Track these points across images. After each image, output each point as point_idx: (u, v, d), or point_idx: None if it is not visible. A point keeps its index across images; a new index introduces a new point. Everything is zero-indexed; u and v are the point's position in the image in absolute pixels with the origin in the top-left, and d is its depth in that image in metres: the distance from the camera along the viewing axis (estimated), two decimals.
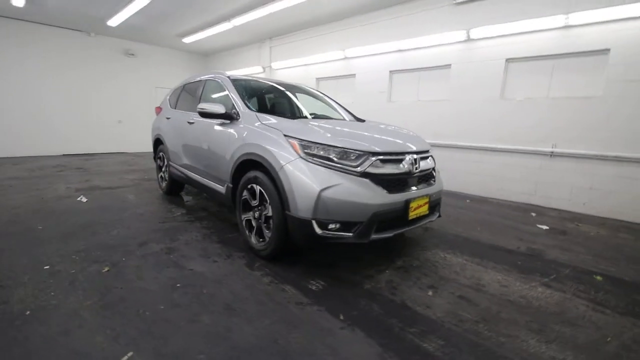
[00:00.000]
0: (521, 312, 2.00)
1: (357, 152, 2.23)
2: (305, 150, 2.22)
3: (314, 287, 2.18)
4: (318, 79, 7.70)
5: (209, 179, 3.25)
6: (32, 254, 2.51)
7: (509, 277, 2.46)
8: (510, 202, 4.94)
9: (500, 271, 2.56)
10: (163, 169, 4.55)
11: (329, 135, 2.31)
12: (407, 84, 6.17)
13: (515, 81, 4.88)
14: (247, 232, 2.71)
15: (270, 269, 2.41)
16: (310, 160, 2.19)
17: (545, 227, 3.73)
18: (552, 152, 4.56)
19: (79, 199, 4.17)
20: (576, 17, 4.16)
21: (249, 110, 2.88)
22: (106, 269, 2.31)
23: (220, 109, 2.89)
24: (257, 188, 2.49)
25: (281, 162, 2.24)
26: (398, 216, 2.30)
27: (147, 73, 10.02)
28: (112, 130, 9.49)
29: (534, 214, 4.29)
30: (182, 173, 3.85)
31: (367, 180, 2.20)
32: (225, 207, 4.03)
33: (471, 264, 2.66)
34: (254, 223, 2.62)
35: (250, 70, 9.20)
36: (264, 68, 8.95)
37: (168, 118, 4.27)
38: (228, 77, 3.37)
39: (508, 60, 4.86)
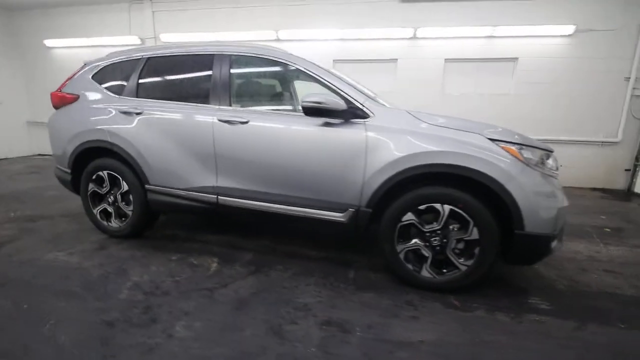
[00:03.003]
0: None
1: (550, 153, 2.11)
2: (525, 157, 1.91)
3: (544, 306, 1.98)
4: None
5: (305, 205, 2.22)
6: None
7: (610, 247, 2.93)
8: None
9: (594, 243, 3.01)
10: (114, 199, 2.74)
11: (516, 135, 2.06)
12: (352, 75, 6.08)
13: (452, 78, 5.74)
14: (409, 266, 2.09)
15: (480, 304, 1.98)
16: (534, 167, 1.91)
17: None
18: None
19: None
20: (498, 30, 5.28)
21: (388, 107, 2.16)
22: None
23: (341, 103, 2.03)
24: (445, 208, 1.95)
25: (512, 173, 1.84)
26: None
27: None
28: None
29: None
30: (203, 202, 2.45)
31: (559, 182, 2.14)
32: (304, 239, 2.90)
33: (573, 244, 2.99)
34: (426, 252, 2.04)
35: (117, 41, 6.57)
36: (142, 40, 6.62)
37: (135, 113, 2.55)
38: (291, 54, 2.39)
39: (447, 60, 5.64)
